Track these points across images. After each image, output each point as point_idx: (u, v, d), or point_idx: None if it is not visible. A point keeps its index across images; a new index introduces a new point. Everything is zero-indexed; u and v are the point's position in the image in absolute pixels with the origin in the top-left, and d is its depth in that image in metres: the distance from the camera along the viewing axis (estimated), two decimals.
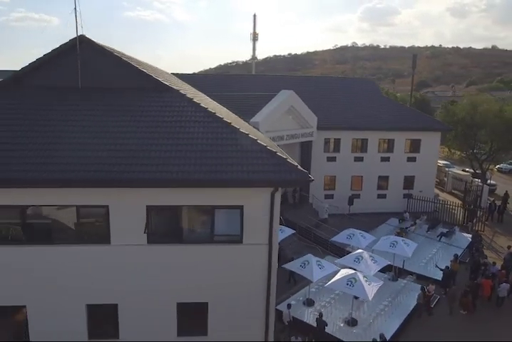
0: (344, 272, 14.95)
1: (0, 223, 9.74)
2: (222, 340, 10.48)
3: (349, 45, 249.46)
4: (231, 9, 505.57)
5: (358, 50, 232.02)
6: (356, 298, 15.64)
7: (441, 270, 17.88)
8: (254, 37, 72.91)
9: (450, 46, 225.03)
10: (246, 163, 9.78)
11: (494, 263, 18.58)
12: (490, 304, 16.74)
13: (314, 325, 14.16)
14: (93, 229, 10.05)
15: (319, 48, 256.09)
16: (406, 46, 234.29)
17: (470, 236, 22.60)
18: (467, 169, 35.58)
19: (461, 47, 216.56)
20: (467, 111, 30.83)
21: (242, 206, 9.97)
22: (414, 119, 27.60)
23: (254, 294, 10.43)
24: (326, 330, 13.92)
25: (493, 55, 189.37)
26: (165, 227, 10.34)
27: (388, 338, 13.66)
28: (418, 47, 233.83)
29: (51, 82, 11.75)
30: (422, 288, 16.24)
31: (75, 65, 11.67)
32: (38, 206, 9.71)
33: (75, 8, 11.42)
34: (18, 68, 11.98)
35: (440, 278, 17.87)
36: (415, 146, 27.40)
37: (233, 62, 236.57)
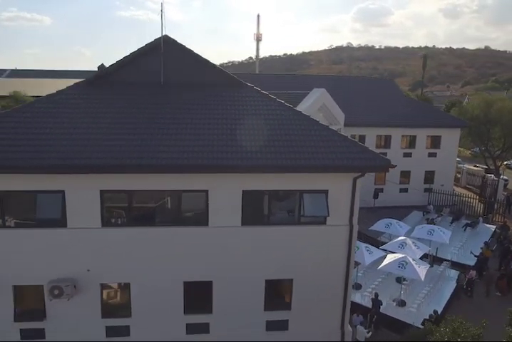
0: (392, 256, 16.06)
1: (111, 206, 10.62)
2: (304, 315, 11.52)
3: (344, 46, 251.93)
4: (226, 9, 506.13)
5: (353, 50, 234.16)
6: (399, 282, 16.82)
7: (476, 256, 19.09)
8: (258, 37, 73.82)
9: (443, 47, 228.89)
10: (332, 151, 10.80)
11: None
12: None
13: (369, 305, 15.27)
14: (193, 211, 10.97)
15: (314, 49, 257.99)
16: (400, 47, 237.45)
17: (495, 226, 23.87)
18: (478, 165, 37.04)
19: (454, 47, 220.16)
20: (481, 109, 32.20)
21: (327, 190, 10.99)
22: (434, 116, 28.88)
23: (335, 271, 11.46)
24: (380, 309, 15.03)
25: (486, 56, 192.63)
26: (257, 210, 11.29)
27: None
28: (412, 47, 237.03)
29: (136, 78, 12.65)
30: (461, 272, 17.43)
31: (158, 63, 12.61)
32: (145, 190, 10.61)
33: (161, 10, 12.39)
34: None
35: (473, 264, 19.09)
36: (436, 142, 28.65)
37: (229, 62, 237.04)
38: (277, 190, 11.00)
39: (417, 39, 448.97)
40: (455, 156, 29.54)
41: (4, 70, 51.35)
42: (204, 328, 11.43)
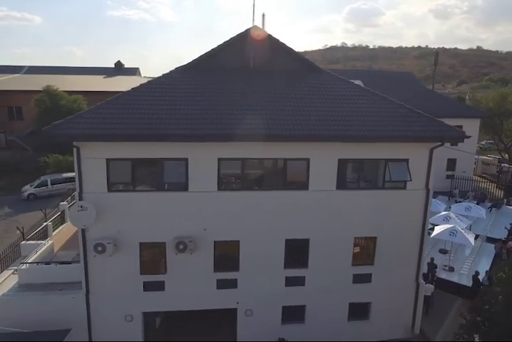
0: (441, 227, 17.86)
1: (226, 173, 12.19)
2: (385, 269, 13.21)
3: (339, 46, 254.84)
4: (217, 9, 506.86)
5: (348, 50, 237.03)
6: (443, 253, 18.66)
7: (508, 230, 21.01)
8: None
9: (436, 47, 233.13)
10: (411, 124, 12.51)
11: None
12: None
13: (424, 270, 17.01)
14: (296, 177, 12.58)
15: (309, 49, 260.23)
16: (394, 46, 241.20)
17: None
18: (490, 156, 39.22)
19: (447, 47, 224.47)
20: (496, 101, 34.27)
21: (408, 159, 12.70)
22: (455, 107, 30.83)
23: (412, 230, 13.17)
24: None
25: (478, 56, 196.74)
26: (349, 176, 12.94)
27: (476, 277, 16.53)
28: (406, 47, 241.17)
29: (227, 64, 14.20)
30: (498, 243, 19.32)
31: (247, 50, 14.20)
32: (255, 158, 12.22)
33: (253, 4, 14.00)
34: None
35: (504, 238, 21.02)
36: None
37: None
38: (367, 159, 12.66)
39: (408, 39, 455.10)
40: (475, 144, 31.51)
41: (22, 67, 52.55)
42: (300, 281, 13.06)
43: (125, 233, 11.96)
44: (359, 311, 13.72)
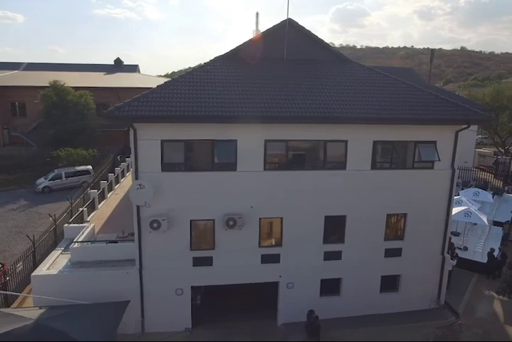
0: (456, 209, 18.99)
1: (271, 153, 13.03)
2: (413, 243, 14.26)
3: None
4: (203, 9, 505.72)
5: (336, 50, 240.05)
6: (456, 235, 19.87)
7: None
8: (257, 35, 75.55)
9: (421, 47, 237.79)
10: (439, 110, 13.58)
11: None
12: None
13: None
14: (335, 158, 13.50)
15: None
16: (380, 47, 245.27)
17: None
18: (486, 148, 40.97)
19: (432, 48, 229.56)
20: (493, 96, 35.93)
21: (436, 141, 13.77)
22: (460, 101, 32.24)
23: (439, 207, 14.25)
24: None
25: (463, 56, 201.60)
26: (383, 157, 13.92)
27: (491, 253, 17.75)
28: (392, 47, 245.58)
29: (262, 54, 15.06)
30: (507, 223, 20.68)
31: (282, 41, 15.09)
32: (298, 140, 13.11)
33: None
34: None
35: (509, 221, 22.41)
36: None
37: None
38: (399, 141, 13.67)
39: (393, 40, 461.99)
40: (475, 136, 33.04)
41: (20, 64, 52.33)
42: (337, 256, 14.01)
43: (177, 211, 12.70)
44: (389, 284, 14.74)
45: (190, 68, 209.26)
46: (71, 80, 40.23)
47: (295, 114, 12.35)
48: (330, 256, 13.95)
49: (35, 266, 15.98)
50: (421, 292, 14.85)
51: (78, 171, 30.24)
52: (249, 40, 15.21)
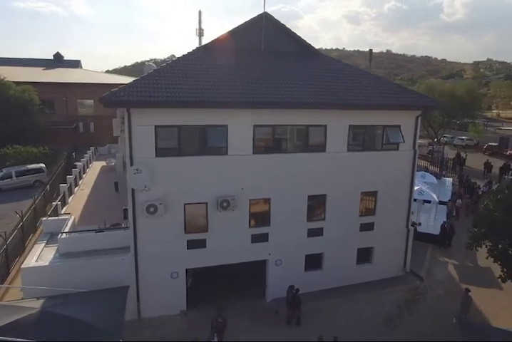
0: None
1: (259, 138, 13.81)
2: (383, 218, 15.93)
3: None
4: (136, 5, 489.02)
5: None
6: None
7: (454, 193, 25.48)
8: (200, 33, 76.23)
9: (351, 49, 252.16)
10: (401, 97, 15.34)
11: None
12: None
13: None
14: (316, 141, 14.61)
15: None
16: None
17: (451, 178, 31.03)
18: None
19: (361, 50, 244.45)
20: (426, 92, 39.83)
21: (400, 125, 15.52)
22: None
23: (403, 184, 16.07)
24: None
25: (389, 58, 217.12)
26: (357, 139, 15.30)
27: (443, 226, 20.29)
28: (326, 49, 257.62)
29: (241, 45, 15.78)
30: (450, 201, 23.52)
31: (258, 34, 15.93)
32: (283, 125, 14.03)
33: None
34: None
35: (449, 199, 25.46)
36: None
37: (151, 59, 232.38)
38: (370, 125, 15.19)
39: (325, 42, 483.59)
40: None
41: None
42: (319, 232, 15.20)
43: (171, 195, 13.02)
44: (364, 256, 16.29)
45: (125, 66, 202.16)
46: (9, 74, 37.45)
47: (282, 100, 13.29)
48: (313, 232, 15.11)
49: (7, 262, 15.38)
50: (390, 262, 16.61)
51: (30, 169, 28.47)
52: (228, 32, 15.81)
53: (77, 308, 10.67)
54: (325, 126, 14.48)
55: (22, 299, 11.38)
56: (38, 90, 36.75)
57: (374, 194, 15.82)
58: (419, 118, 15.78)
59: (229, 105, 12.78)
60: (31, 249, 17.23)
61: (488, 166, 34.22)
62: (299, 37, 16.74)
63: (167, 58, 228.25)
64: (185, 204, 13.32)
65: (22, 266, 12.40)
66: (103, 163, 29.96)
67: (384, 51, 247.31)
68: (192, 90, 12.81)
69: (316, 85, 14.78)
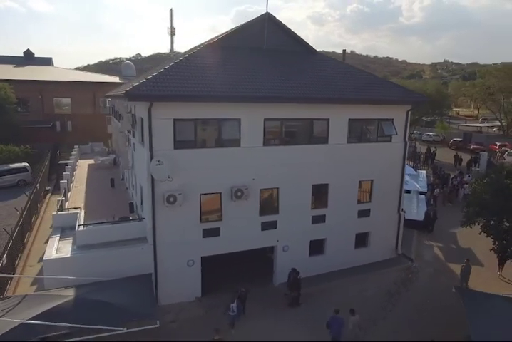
0: None
1: (269, 130, 14.63)
2: (377, 205, 17.24)
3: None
4: (96, 2, 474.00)
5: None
6: None
7: (429, 184, 27.47)
8: (172, 32, 76.17)
9: (317, 50, 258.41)
10: (394, 93, 16.71)
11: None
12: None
13: None
14: (319, 134, 15.64)
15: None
16: None
17: (424, 170, 33.27)
18: None
19: (327, 51, 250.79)
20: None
21: (393, 119, 16.88)
22: None
23: (395, 173, 17.47)
24: None
25: (354, 59, 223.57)
26: (355, 132, 16.43)
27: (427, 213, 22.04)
28: None
29: (244, 43, 16.58)
30: (427, 191, 25.43)
31: (260, 33, 16.78)
32: (290, 119, 14.95)
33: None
34: None
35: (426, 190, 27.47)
36: None
37: (116, 58, 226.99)
38: (367, 119, 16.43)
39: None
40: None
41: None
42: (322, 219, 16.27)
43: (188, 186, 13.59)
44: (361, 240, 17.53)
45: (89, 65, 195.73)
46: None
47: (292, 95, 14.23)
48: (317, 219, 16.15)
49: (13, 259, 15.45)
50: (383, 245, 17.98)
51: (13, 169, 27.76)
52: (233, 30, 16.63)
53: (109, 294, 11.15)
54: (327, 119, 15.55)
55: (53, 289, 11.61)
56: (12, 88, 35.64)
57: (370, 182, 17.10)
58: (409, 112, 17.21)
59: (244, 99, 13.55)
60: (31, 246, 17.43)
61: (458, 159, 36.92)
62: (299, 37, 17.75)
63: (133, 56, 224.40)
64: (200, 195, 13.94)
65: (44, 258, 12.58)
66: (89, 161, 29.68)
67: (349, 52, 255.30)
68: (207, 85, 13.44)
69: (318, 81, 15.82)
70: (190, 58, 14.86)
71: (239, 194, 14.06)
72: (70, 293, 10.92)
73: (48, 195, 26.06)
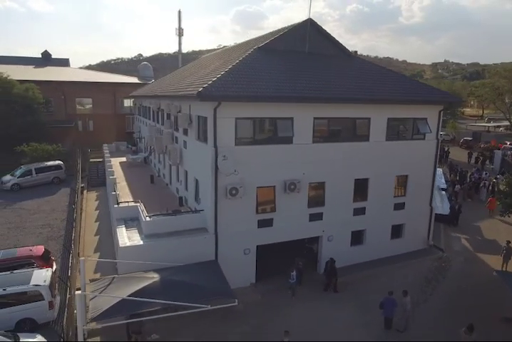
0: None
1: (318, 129, 15.79)
2: (411, 198, 18.42)
3: (232, 45, 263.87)
4: (97, 3, 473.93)
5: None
6: None
7: (447, 181, 28.71)
8: (180, 32, 77.18)
9: None
10: (428, 94, 17.90)
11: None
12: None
13: None
14: (361, 132, 16.80)
15: (204, 48, 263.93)
16: None
17: (441, 169, 34.46)
18: None
19: None
20: None
21: (426, 118, 18.08)
22: None
23: (428, 168, 18.66)
24: None
25: None
26: (393, 130, 17.63)
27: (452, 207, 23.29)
28: None
29: (287, 47, 17.78)
30: (449, 187, 26.62)
31: (302, 38, 17.97)
32: (336, 117, 16.12)
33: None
34: None
35: (446, 187, 28.66)
36: None
37: (117, 58, 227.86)
38: (404, 118, 17.63)
39: None
40: None
41: None
42: (362, 211, 17.45)
43: (246, 179, 14.73)
44: (396, 232, 18.71)
45: (90, 65, 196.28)
46: (8, 73, 37.00)
47: (340, 96, 15.43)
48: (358, 211, 17.32)
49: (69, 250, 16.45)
50: (416, 236, 19.17)
51: (49, 166, 28.85)
52: (279, 35, 17.83)
53: (189, 276, 12.27)
54: (369, 119, 16.73)
55: (133, 272, 12.70)
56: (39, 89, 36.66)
57: (405, 177, 18.28)
58: (441, 112, 18.40)
59: (299, 100, 14.72)
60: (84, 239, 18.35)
61: (472, 157, 38.30)
62: (337, 41, 18.92)
63: (134, 57, 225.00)
64: (257, 188, 15.09)
65: (120, 245, 13.71)
66: (119, 159, 30.76)
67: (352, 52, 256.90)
68: (262, 86, 14.58)
69: (359, 82, 17.00)
70: (244, 62, 15.99)
71: (292, 187, 15.21)
72: (155, 276, 12.03)
73: (85, 191, 27.15)
